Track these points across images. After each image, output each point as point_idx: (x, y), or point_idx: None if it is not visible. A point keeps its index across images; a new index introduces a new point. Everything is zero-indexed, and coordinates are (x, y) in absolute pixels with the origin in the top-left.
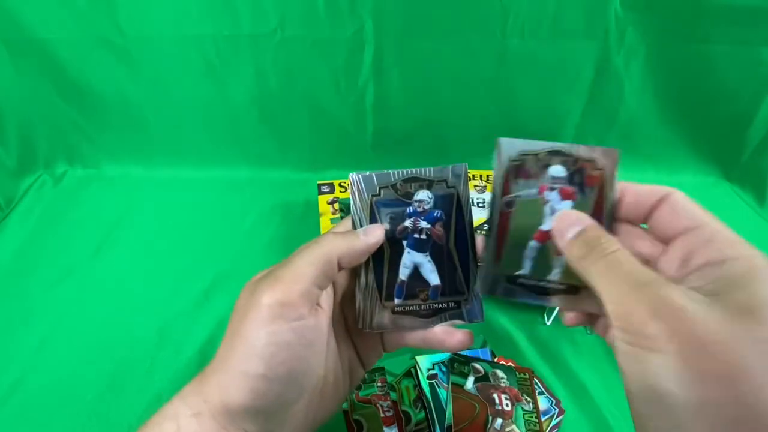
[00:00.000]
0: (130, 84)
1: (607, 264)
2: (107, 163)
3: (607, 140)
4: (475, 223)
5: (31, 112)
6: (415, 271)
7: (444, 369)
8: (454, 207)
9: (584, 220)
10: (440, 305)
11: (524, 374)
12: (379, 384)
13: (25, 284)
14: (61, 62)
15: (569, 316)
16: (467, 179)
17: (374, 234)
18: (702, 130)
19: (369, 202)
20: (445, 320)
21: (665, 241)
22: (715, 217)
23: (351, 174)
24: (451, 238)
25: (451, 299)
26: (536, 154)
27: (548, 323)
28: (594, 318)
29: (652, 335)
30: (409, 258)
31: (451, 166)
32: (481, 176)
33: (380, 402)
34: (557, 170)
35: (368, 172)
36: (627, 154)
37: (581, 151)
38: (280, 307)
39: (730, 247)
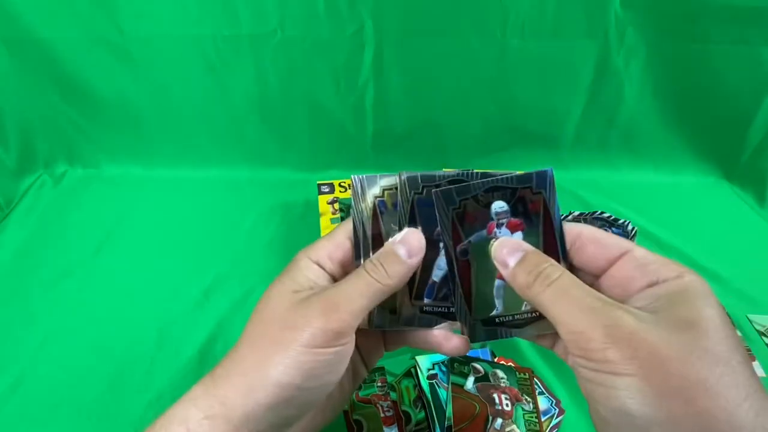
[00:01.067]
0: (130, 84)
1: (553, 292)
2: (107, 163)
3: (608, 140)
4: None
5: (31, 112)
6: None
7: (444, 369)
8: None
9: (521, 245)
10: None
11: (524, 374)
12: (379, 384)
13: (25, 284)
14: (61, 62)
15: (541, 342)
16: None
17: (418, 256)
18: (702, 130)
19: (411, 200)
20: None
21: (595, 274)
22: (634, 243)
23: (401, 173)
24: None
25: None
26: (474, 196)
27: None
28: (554, 339)
29: (612, 360)
30: (444, 261)
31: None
32: None
33: (380, 402)
34: (499, 205)
35: (417, 172)
36: (627, 154)
37: (515, 180)
38: (334, 335)
39: (664, 267)
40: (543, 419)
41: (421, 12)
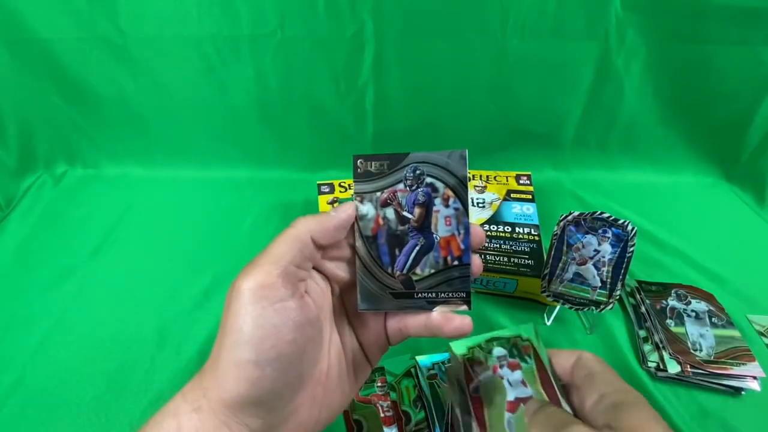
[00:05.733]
0: (130, 84)
1: (537, 419)
2: (107, 163)
3: (607, 140)
4: (476, 222)
5: (31, 112)
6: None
7: (444, 369)
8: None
9: (538, 402)
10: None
11: None
12: (379, 384)
13: (25, 284)
14: (61, 62)
15: None
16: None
17: (344, 209)
18: (702, 130)
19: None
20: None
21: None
22: (600, 366)
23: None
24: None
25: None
26: (479, 346)
27: (548, 323)
28: None
29: None
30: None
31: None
32: (481, 176)
33: (380, 402)
34: (498, 351)
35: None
36: (627, 154)
37: (507, 333)
38: (261, 289)
39: (605, 385)
40: None
41: (421, 12)
